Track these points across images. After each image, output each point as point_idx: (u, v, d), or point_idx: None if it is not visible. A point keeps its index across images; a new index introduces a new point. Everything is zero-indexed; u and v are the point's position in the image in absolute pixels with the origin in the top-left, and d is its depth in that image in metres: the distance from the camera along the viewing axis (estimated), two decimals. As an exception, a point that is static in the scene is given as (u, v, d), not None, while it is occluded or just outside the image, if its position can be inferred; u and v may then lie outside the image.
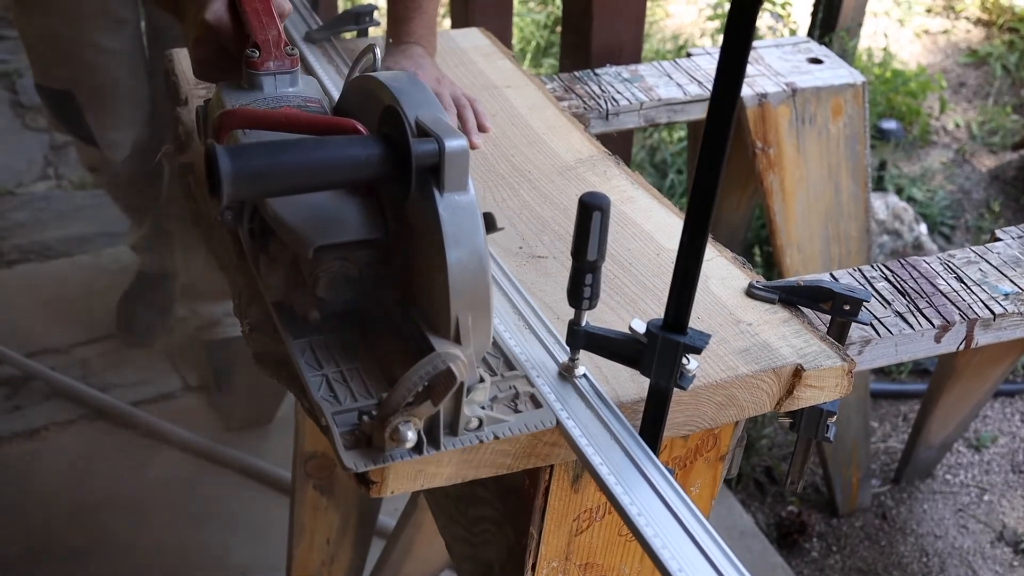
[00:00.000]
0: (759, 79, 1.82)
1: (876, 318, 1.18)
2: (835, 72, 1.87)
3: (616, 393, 0.94)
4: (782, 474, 2.49)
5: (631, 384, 0.95)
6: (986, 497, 2.49)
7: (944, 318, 1.19)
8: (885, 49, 3.98)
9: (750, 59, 1.56)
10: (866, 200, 1.98)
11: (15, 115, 3.58)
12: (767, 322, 1.05)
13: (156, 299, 2.65)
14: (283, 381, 0.97)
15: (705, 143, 0.74)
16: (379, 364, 0.91)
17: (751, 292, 1.09)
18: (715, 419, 0.99)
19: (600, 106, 1.68)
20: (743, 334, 1.03)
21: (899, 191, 3.33)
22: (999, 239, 1.36)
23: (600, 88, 1.73)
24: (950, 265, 1.29)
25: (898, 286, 1.24)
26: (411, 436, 0.80)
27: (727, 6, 0.93)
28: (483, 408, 0.86)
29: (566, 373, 0.93)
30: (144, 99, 2.19)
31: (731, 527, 2.30)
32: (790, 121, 1.83)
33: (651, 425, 0.88)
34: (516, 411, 0.88)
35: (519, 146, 1.39)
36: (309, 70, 1.45)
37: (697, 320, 1.01)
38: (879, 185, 3.33)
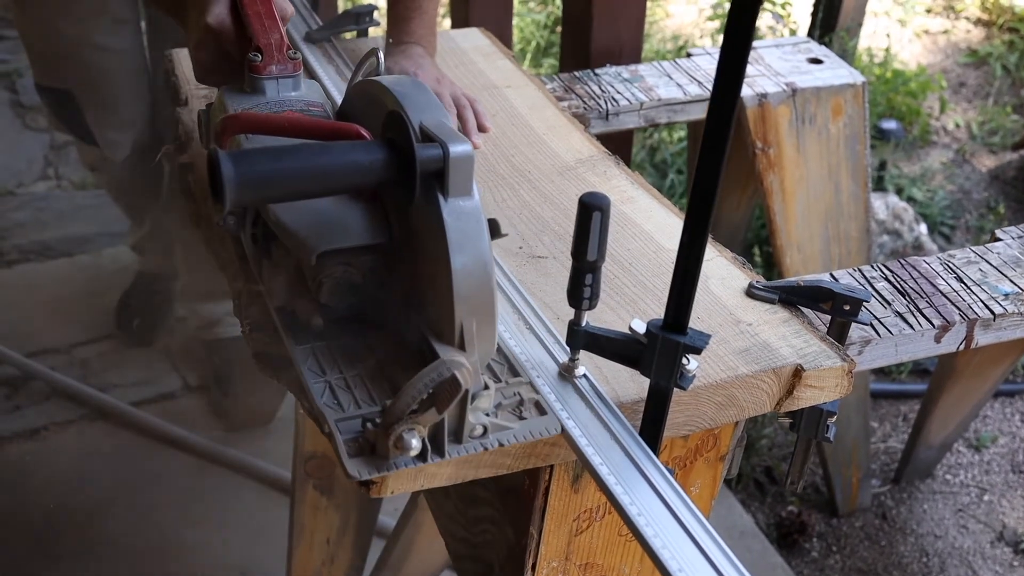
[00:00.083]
0: (759, 79, 1.82)
1: (876, 318, 1.18)
2: (835, 72, 1.87)
3: (616, 393, 0.94)
4: (782, 474, 2.49)
5: (631, 384, 0.95)
6: (986, 497, 2.49)
7: (944, 318, 1.19)
8: (885, 49, 3.98)
9: (750, 59, 1.56)
10: (866, 200, 1.98)
11: (15, 115, 3.58)
12: (767, 322, 1.05)
13: (156, 299, 2.65)
14: (283, 381, 0.97)
15: (705, 143, 0.74)
16: (383, 370, 0.91)
17: (751, 292, 1.09)
18: (715, 419, 0.99)
19: (600, 106, 1.68)
20: (743, 334, 1.03)
21: (899, 191, 3.33)
22: (999, 239, 1.36)
23: (600, 88, 1.73)
24: (950, 265, 1.29)
25: (898, 286, 1.24)
26: (415, 444, 0.80)
27: (727, 6, 0.93)
28: (487, 415, 0.85)
29: (566, 373, 0.93)
30: (144, 99, 2.19)
31: (731, 527, 2.30)
32: (790, 121, 1.83)
33: (651, 425, 0.88)
34: (521, 418, 0.88)
35: (519, 146, 1.39)
36: (310, 71, 1.45)
37: (697, 320, 1.01)
38: (879, 185, 3.33)
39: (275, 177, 0.83)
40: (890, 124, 3.66)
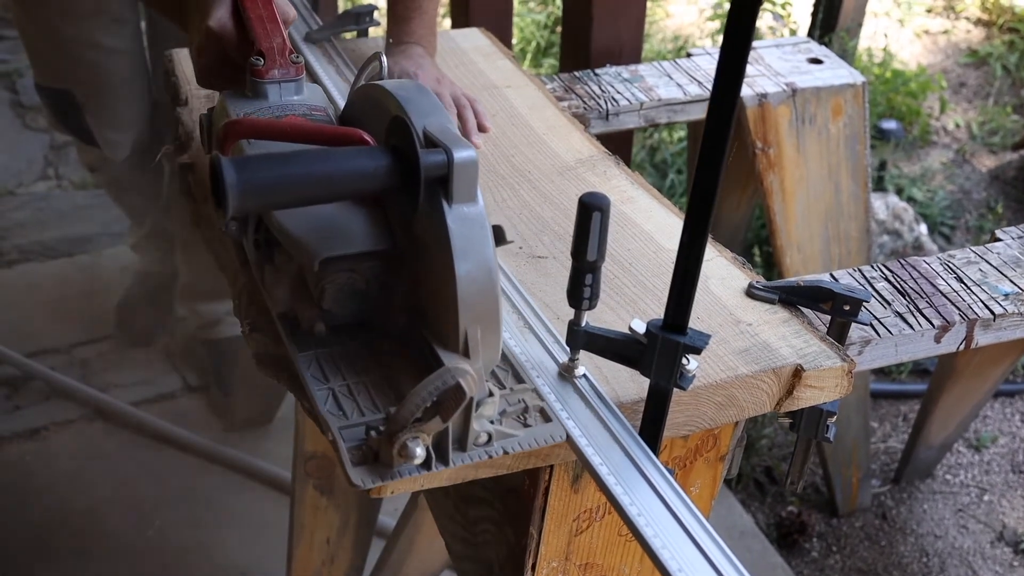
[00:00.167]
0: (759, 79, 1.82)
1: (876, 318, 1.18)
2: (835, 72, 1.87)
3: (616, 393, 0.94)
4: (782, 474, 2.49)
5: (631, 384, 0.95)
6: (986, 497, 2.49)
7: (944, 318, 1.19)
8: (885, 49, 3.98)
9: (750, 59, 1.56)
10: (866, 200, 1.98)
11: (15, 115, 3.58)
12: (767, 322, 1.05)
13: (156, 299, 2.65)
14: (283, 382, 0.97)
15: (705, 143, 0.74)
16: (386, 377, 0.90)
17: (751, 292, 1.09)
18: (715, 419, 0.99)
19: (600, 106, 1.68)
20: (743, 334, 1.03)
21: (899, 191, 3.33)
22: (999, 239, 1.36)
23: (600, 88, 1.73)
24: (950, 265, 1.29)
25: (898, 286, 1.24)
26: (420, 452, 0.79)
27: (727, 6, 0.93)
28: (492, 423, 0.85)
29: (566, 373, 0.93)
30: (144, 99, 2.19)
31: (731, 527, 2.30)
32: (790, 121, 1.83)
33: (651, 425, 0.88)
34: (525, 425, 0.87)
35: (519, 146, 1.39)
36: (311, 72, 1.44)
37: (697, 320, 1.01)
38: (879, 185, 3.33)
39: (278, 184, 0.82)
40: (890, 124, 3.66)
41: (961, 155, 3.66)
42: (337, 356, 0.92)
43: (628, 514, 0.79)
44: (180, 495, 2.29)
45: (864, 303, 1.06)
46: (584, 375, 0.93)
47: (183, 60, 1.55)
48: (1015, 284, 1.26)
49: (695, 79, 1.80)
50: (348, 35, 1.61)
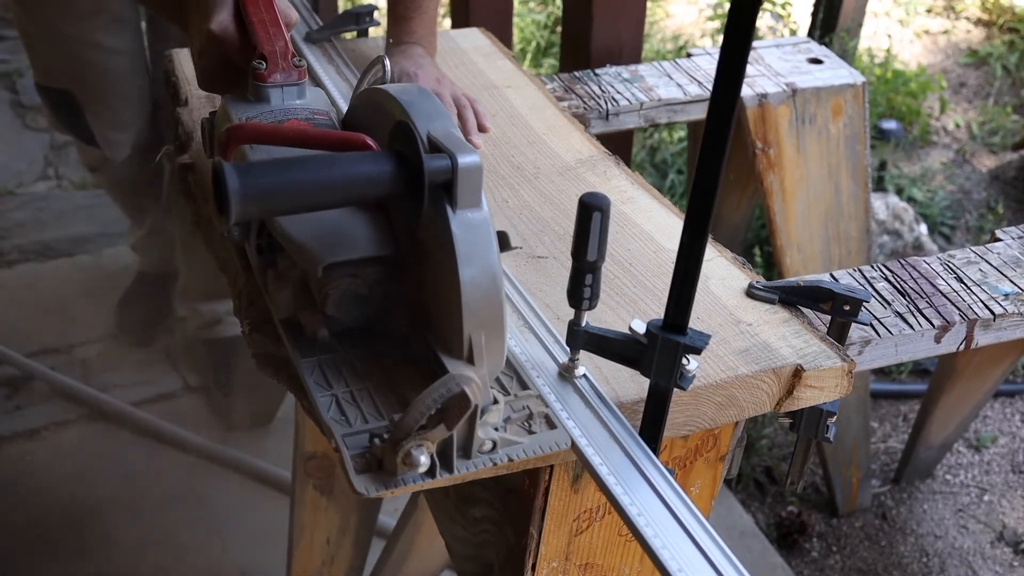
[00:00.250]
0: (759, 79, 1.82)
1: (876, 318, 1.18)
2: (835, 72, 1.87)
3: (616, 393, 0.94)
4: (782, 474, 2.49)
5: (631, 384, 0.95)
6: (986, 497, 2.49)
7: (944, 318, 1.19)
8: (886, 50, 3.98)
9: (750, 59, 1.56)
10: (866, 200, 1.99)
11: (15, 115, 3.58)
12: (767, 322, 1.05)
13: (156, 299, 2.65)
14: (283, 382, 0.97)
15: (705, 143, 0.74)
16: (390, 384, 0.89)
17: (751, 292, 1.09)
18: (715, 419, 0.99)
19: (600, 106, 1.68)
20: (743, 334, 1.03)
21: (899, 191, 3.33)
22: (999, 239, 1.36)
23: (600, 88, 1.73)
24: (950, 265, 1.29)
25: (898, 286, 1.24)
26: (424, 460, 0.78)
27: (727, 6, 0.93)
28: (496, 430, 0.84)
29: (566, 373, 0.93)
30: (145, 99, 2.19)
31: (731, 527, 2.30)
32: (790, 121, 1.83)
33: (651, 425, 0.88)
34: (530, 432, 0.86)
35: (519, 146, 1.39)
36: (312, 73, 1.44)
37: (697, 320, 1.01)
38: (879, 185, 3.33)
39: (281, 190, 0.81)
40: (890, 124, 3.66)
41: (961, 155, 3.66)
42: (340, 362, 0.91)
43: (628, 514, 0.79)
44: (180, 495, 2.29)
45: (864, 303, 1.06)
46: (584, 375, 0.93)
47: (183, 60, 1.55)
48: (1015, 284, 1.26)
49: (695, 79, 1.80)
50: (348, 35, 1.61)
